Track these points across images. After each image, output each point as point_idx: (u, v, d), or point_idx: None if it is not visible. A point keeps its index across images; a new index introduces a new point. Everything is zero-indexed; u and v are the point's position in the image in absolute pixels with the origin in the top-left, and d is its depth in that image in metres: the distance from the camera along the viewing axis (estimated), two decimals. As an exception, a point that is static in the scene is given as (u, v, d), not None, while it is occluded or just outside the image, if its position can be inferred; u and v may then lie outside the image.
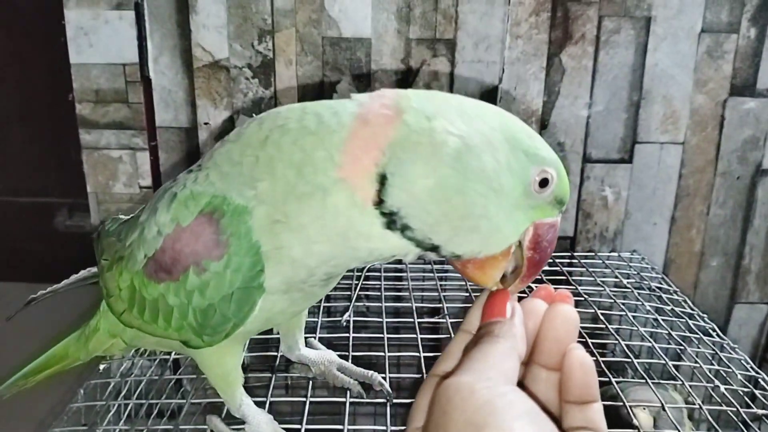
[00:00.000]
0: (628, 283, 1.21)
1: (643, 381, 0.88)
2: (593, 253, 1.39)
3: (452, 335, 0.97)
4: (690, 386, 0.88)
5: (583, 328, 0.97)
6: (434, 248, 0.49)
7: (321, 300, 1.00)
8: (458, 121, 0.48)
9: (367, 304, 1.14)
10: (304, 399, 0.81)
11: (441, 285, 1.17)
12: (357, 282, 1.19)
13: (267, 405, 0.79)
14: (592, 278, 1.24)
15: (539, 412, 0.36)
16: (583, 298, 1.11)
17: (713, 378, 0.90)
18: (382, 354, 0.91)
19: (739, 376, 0.92)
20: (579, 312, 1.07)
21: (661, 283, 1.25)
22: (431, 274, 1.24)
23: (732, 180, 1.39)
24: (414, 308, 1.07)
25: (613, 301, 1.13)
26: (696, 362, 0.94)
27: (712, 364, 0.96)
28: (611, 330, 1.01)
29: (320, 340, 0.89)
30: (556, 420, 0.41)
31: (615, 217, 1.41)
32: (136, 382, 0.92)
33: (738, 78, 1.33)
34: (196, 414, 0.92)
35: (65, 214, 1.56)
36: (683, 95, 1.33)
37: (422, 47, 1.30)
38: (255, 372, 0.91)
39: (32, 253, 1.58)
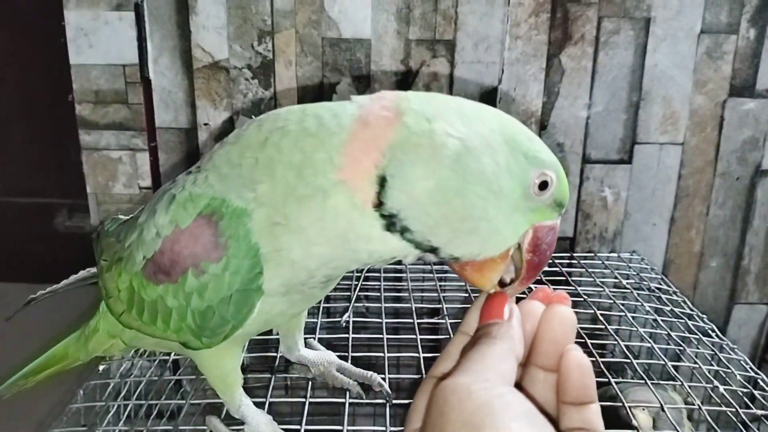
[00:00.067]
0: (627, 283, 1.21)
1: (643, 381, 0.88)
2: (593, 254, 1.40)
3: (452, 336, 0.97)
4: (689, 387, 0.88)
5: (582, 328, 0.97)
6: (433, 250, 0.49)
7: (320, 301, 1.00)
8: (458, 124, 0.48)
9: (366, 304, 1.14)
10: (303, 400, 0.81)
11: (440, 286, 1.17)
12: (356, 283, 1.19)
13: (266, 406, 0.79)
14: (591, 279, 1.24)
15: (537, 413, 0.37)
16: (582, 299, 1.11)
17: (712, 378, 0.90)
18: (382, 354, 0.91)
19: (739, 377, 0.92)
20: (578, 312, 1.08)
21: (661, 284, 1.25)
22: (431, 275, 1.24)
23: (731, 181, 1.39)
24: (413, 309, 1.07)
25: (612, 301, 1.13)
26: (695, 363, 0.94)
27: (712, 365, 0.96)
28: (610, 330, 1.01)
29: (320, 340, 0.89)
30: (554, 421, 0.41)
31: (614, 218, 1.41)
32: (135, 382, 0.92)
33: (737, 79, 1.33)
34: (196, 414, 0.93)
35: (65, 214, 1.57)
36: (683, 96, 1.33)
37: (422, 48, 1.30)
38: (254, 373, 0.91)
39: (32, 253, 1.58)
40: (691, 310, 1.14)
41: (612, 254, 1.40)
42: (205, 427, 0.75)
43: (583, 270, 1.29)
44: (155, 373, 0.95)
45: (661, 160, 1.37)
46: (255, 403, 0.72)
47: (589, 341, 0.94)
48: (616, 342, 0.99)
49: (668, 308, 1.13)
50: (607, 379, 0.86)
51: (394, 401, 0.79)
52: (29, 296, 0.81)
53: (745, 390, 0.90)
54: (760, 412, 0.84)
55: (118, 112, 1.33)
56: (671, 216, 1.41)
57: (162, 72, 1.31)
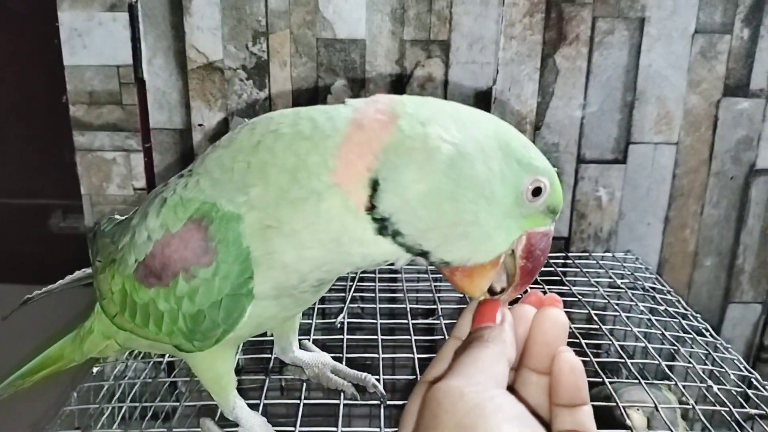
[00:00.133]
0: (622, 283, 1.22)
1: (637, 381, 0.88)
2: (587, 254, 1.40)
3: (446, 336, 0.97)
4: (683, 386, 0.88)
5: (576, 328, 0.97)
6: (424, 254, 0.49)
7: (315, 302, 1.00)
8: (452, 128, 0.47)
9: (361, 305, 1.14)
10: (298, 401, 0.81)
11: (435, 286, 1.17)
12: (351, 284, 1.19)
13: (261, 407, 0.79)
14: (586, 278, 1.24)
15: (528, 416, 0.37)
16: (577, 299, 1.11)
17: (707, 378, 0.90)
18: (377, 355, 0.91)
19: (733, 376, 0.92)
20: (573, 312, 1.08)
21: (655, 284, 1.26)
22: (426, 276, 1.24)
23: (726, 180, 1.39)
24: (408, 310, 1.07)
25: (607, 301, 1.13)
26: (690, 362, 0.95)
27: (706, 364, 0.97)
28: (605, 330, 1.01)
29: (314, 341, 0.89)
30: (546, 423, 0.41)
31: (609, 218, 1.41)
32: (129, 384, 0.92)
33: (731, 78, 1.33)
34: (191, 416, 0.92)
35: (59, 215, 1.56)
36: (677, 96, 1.34)
37: (416, 48, 1.30)
38: (249, 374, 0.91)
39: (26, 254, 1.58)
40: (686, 309, 1.14)
41: (606, 254, 1.40)
42: (199, 429, 0.75)
43: (578, 270, 1.29)
44: (149, 375, 0.95)
45: (656, 159, 1.37)
46: (249, 405, 0.72)
47: (583, 341, 0.94)
48: (610, 342, 0.99)
49: (663, 308, 1.13)
50: (601, 379, 0.86)
51: (389, 402, 0.79)
52: (24, 297, 0.81)
53: (739, 389, 0.90)
54: (754, 411, 0.84)
55: (112, 113, 1.33)
56: (666, 215, 1.41)
57: (156, 73, 1.31)
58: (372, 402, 0.80)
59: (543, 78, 1.33)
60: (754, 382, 0.92)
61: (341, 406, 0.80)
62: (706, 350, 1.00)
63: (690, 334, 1.04)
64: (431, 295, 1.15)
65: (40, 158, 1.54)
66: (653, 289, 1.22)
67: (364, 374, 0.81)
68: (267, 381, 0.87)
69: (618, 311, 1.08)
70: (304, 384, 0.84)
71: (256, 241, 0.53)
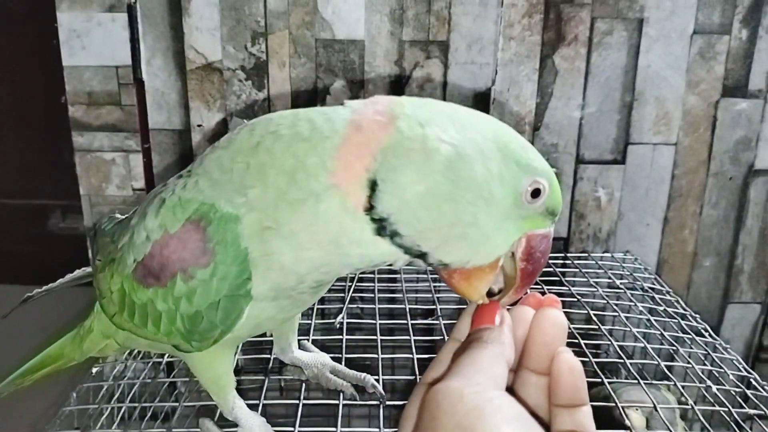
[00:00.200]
0: (621, 283, 1.22)
1: (636, 381, 0.88)
2: (586, 254, 1.40)
3: (445, 337, 0.97)
4: (682, 386, 0.88)
5: (576, 328, 0.97)
6: (422, 255, 0.49)
7: (314, 302, 1.00)
8: (451, 130, 0.48)
9: (360, 305, 1.14)
10: (297, 401, 0.81)
11: (435, 287, 1.17)
12: (351, 284, 1.19)
13: (260, 407, 0.79)
14: (585, 279, 1.24)
15: (528, 417, 0.37)
16: (576, 299, 1.11)
17: (706, 378, 0.90)
18: (376, 356, 0.91)
19: (732, 376, 0.92)
20: (572, 312, 1.08)
21: (654, 284, 1.26)
22: (425, 276, 1.24)
23: (724, 180, 1.39)
24: (408, 310, 1.07)
25: (606, 301, 1.13)
26: (689, 362, 0.95)
27: (705, 365, 0.97)
28: (604, 331, 1.01)
29: (314, 342, 0.89)
30: (545, 424, 0.41)
31: (608, 218, 1.41)
32: (129, 385, 0.92)
33: (730, 79, 1.33)
34: (190, 417, 0.92)
35: (58, 216, 1.56)
36: (676, 96, 1.34)
37: (415, 49, 1.30)
38: (248, 374, 0.91)
39: (25, 255, 1.58)
40: (685, 309, 1.14)
41: (606, 254, 1.40)
42: (198, 430, 0.75)
43: (577, 270, 1.30)
44: (149, 375, 0.95)
45: (655, 160, 1.37)
46: (249, 405, 0.72)
47: (582, 341, 0.94)
48: (609, 342, 0.99)
49: (662, 308, 1.14)
50: (600, 379, 0.86)
51: (388, 402, 0.79)
52: (24, 296, 0.81)
53: (738, 389, 0.90)
54: (753, 411, 0.84)
55: (111, 113, 1.33)
56: (665, 216, 1.41)
57: (155, 73, 1.31)
58: (371, 402, 0.80)
59: (542, 79, 1.33)
60: (753, 383, 0.92)
61: (340, 407, 0.80)
62: (705, 350, 1.00)
63: (689, 334, 1.04)
64: (430, 295, 1.15)
65: (39, 159, 1.54)
66: (652, 289, 1.22)
67: (364, 374, 0.81)
68: (266, 381, 0.87)
69: (617, 311, 1.08)
70: (304, 384, 0.84)
71: (255, 243, 0.53)
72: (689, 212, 1.41)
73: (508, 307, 0.48)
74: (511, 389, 0.43)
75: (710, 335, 1.06)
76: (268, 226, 0.52)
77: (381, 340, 0.96)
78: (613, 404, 0.83)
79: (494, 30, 1.29)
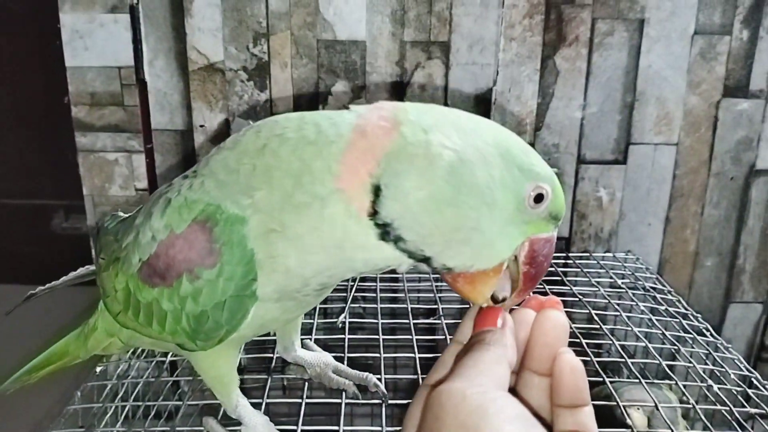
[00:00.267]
0: (622, 283, 1.22)
1: (637, 381, 0.88)
2: (588, 254, 1.40)
3: (447, 336, 0.98)
4: (684, 386, 0.89)
5: (578, 328, 0.98)
6: (426, 260, 0.49)
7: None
8: (454, 135, 0.48)
9: (362, 305, 1.14)
10: (300, 400, 0.81)
11: (437, 286, 1.17)
12: (353, 284, 1.20)
13: (263, 406, 0.79)
14: (586, 279, 1.24)
15: (530, 417, 0.37)
16: (578, 299, 1.11)
17: (707, 378, 0.91)
18: (378, 355, 0.92)
19: (733, 376, 0.92)
20: (574, 312, 1.08)
21: (656, 284, 1.26)
22: (427, 275, 1.24)
23: (726, 180, 1.39)
24: (410, 309, 1.07)
25: (607, 301, 1.13)
26: (690, 362, 0.95)
27: (707, 364, 0.97)
28: (605, 330, 1.01)
29: (316, 341, 0.90)
30: (548, 425, 0.42)
31: (609, 218, 1.42)
32: (133, 383, 0.93)
33: (731, 79, 1.33)
34: (193, 415, 0.93)
35: (61, 216, 1.56)
36: (677, 97, 1.34)
37: (417, 50, 1.31)
38: (251, 373, 0.91)
39: (28, 255, 1.58)
40: (686, 309, 1.14)
41: (607, 254, 1.41)
42: (202, 428, 0.75)
43: (579, 270, 1.30)
44: (152, 374, 0.96)
45: (656, 160, 1.38)
46: (252, 404, 0.73)
47: (584, 341, 0.95)
48: (611, 341, 0.99)
49: (663, 308, 1.14)
50: (601, 379, 0.87)
51: (391, 401, 0.80)
52: (28, 293, 0.82)
53: (739, 389, 0.90)
54: (754, 410, 0.84)
55: (113, 114, 1.33)
56: (666, 216, 1.42)
57: (157, 74, 1.31)
58: (374, 401, 0.81)
59: (543, 79, 1.33)
60: (755, 382, 0.92)
61: (343, 406, 0.80)
62: (707, 350, 1.00)
63: (691, 333, 1.04)
64: (432, 295, 1.15)
65: (42, 159, 1.54)
66: (654, 289, 1.23)
67: (366, 374, 0.82)
68: (269, 380, 0.87)
69: (619, 311, 1.08)
70: (306, 383, 0.84)
71: (260, 244, 0.53)
72: (691, 212, 1.41)
73: (511, 308, 0.48)
74: (513, 390, 0.44)
75: (712, 335, 1.06)
76: (273, 228, 0.52)
77: (383, 339, 0.96)
78: (615, 403, 0.83)
79: (495, 31, 1.30)
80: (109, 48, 1.29)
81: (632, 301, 1.15)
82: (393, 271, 0.53)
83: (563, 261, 1.36)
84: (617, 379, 0.91)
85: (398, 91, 1.32)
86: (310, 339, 0.90)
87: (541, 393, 0.43)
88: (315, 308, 1.05)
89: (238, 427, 0.72)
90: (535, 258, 0.49)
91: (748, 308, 1.48)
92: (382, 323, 1.02)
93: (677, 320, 1.09)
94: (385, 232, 0.48)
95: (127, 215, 0.72)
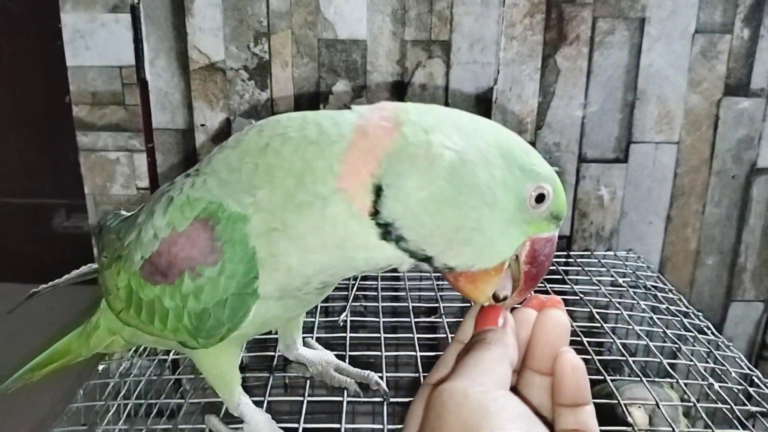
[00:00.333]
0: (623, 281, 1.22)
1: (638, 379, 0.88)
2: (589, 252, 1.40)
3: (449, 334, 0.98)
4: (685, 384, 0.89)
5: (579, 326, 0.98)
6: (427, 259, 0.50)
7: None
8: (455, 136, 0.48)
9: (364, 303, 1.14)
10: (302, 398, 0.81)
11: (438, 285, 1.17)
12: (354, 282, 1.20)
13: (265, 404, 0.80)
14: (588, 277, 1.24)
15: (531, 415, 0.37)
16: (579, 297, 1.11)
17: (708, 376, 0.91)
18: (380, 353, 0.92)
19: (734, 374, 0.92)
20: (575, 311, 1.08)
21: (657, 282, 1.26)
22: (428, 274, 1.24)
23: (727, 179, 1.40)
24: (411, 308, 1.07)
25: (609, 299, 1.13)
26: (691, 360, 0.95)
27: (708, 362, 0.97)
28: (607, 329, 1.01)
29: (318, 339, 0.90)
30: (549, 423, 0.42)
31: (611, 217, 1.42)
32: (135, 382, 0.93)
33: (732, 78, 1.33)
34: (195, 413, 0.93)
35: (63, 215, 1.56)
36: (678, 95, 1.34)
37: (417, 49, 1.31)
38: (253, 372, 0.91)
39: (30, 254, 1.58)
40: (687, 308, 1.14)
41: (608, 252, 1.41)
42: (204, 426, 0.75)
43: (580, 268, 1.30)
44: (154, 372, 0.96)
45: (657, 158, 1.38)
46: (254, 402, 0.73)
47: (585, 339, 0.95)
48: (612, 340, 0.99)
49: (664, 306, 1.14)
50: (602, 377, 0.87)
51: (392, 399, 0.80)
52: (30, 291, 0.82)
53: (740, 387, 0.90)
54: (755, 408, 0.84)
55: (115, 113, 1.33)
56: (667, 214, 1.42)
57: (158, 73, 1.32)
58: (375, 399, 0.81)
59: (544, 78, 1.33)
60: (756, 380, 0.92)
61: (345, 404, 0.80)
62: (708, 348, 1.00)
63: (692, 332, 1.04)
64: (434, 293, 1.15)
65: (44, 158, 1.54)
66: (655, 287, 1.22)
67: (367, 372, 0.82)
68: (271, 378, 0.87)
69: (620, 309, 1.09)
70: (308, 381, 0.85)
71: (262, 243, 0.53)
72: (692, 210, 1.41)
73: (512, 308, 0.48)
74: (514, 390, 0.44)
75: (713, 333, 1.06)
76: (275, 227, 0.53)
77: (384, 337, 0.96)
78: (616, 402, 0.83)
79: (496, 30, 1.30)
80: (111, 47, 1.29)
81: (633, 299, 1.15)
82: (394, 270, 0.53)
83: (564, 259, 1.36)
84: (618, 377, 0.91)
85: (399, 90, 1.32)
86: (312, 337, 0.90)
87: (542, 392, 0.43)
88: (316, 307, 1.05)
89: (240, 425, 0.72)
90: (536, 257, 0.50)
91: (749, 307, 1.48)
92: (384, 322, 1.03)
93: (678, 319, 1.09)
94: (387, 231, 0.49)
95: (129, 214, 0.72)
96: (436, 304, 1.10)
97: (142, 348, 1.00)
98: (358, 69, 1.32)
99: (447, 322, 1.02)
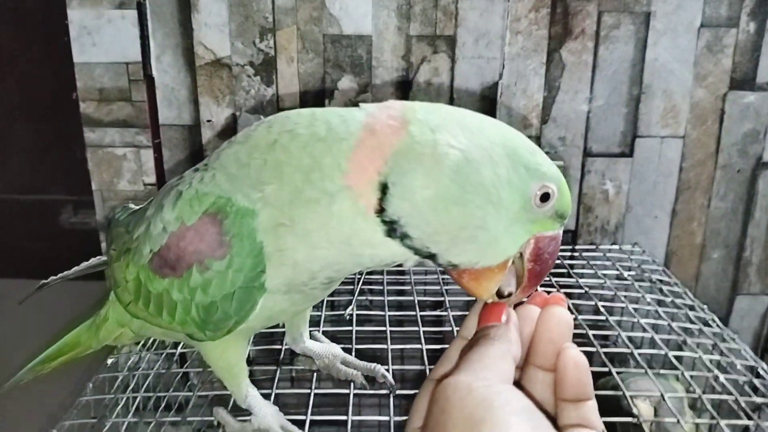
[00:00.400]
0: (629, 275, 1.22)
1: (644, 371, 0.89)
2: (594, 246, 1.40)
3: (454, 327, 0.98)
4: (691, 376, 0.89)
5: (584, 319, 0.98)
6: (432, 256, 0.50)
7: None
8: (461, 135, 0.48)
9: (370, 297, 1.15)
10: (309, 391, 0.82)
11: (443, 278, 1.18)
12: (360, 276, 1.20)
13: (272, 397, 0.80)
14: (593, 271, 1.25)
15: (534, 410, 0.38)
16: (584, 291, 1.11)
17: (713, 368, 0.91)
18: (385, 346, 0.92)
19: (740, 366, 0.92)
20: (580, 304, 1.08)
21: (662, 276, 1.26)
22: (433, 268, 1.25)
23: (732, 173, 1.39)
24: (416, 301, 1.08)
25: (614, 293, 1.14)
26: (696, 352, 0.95)
27: (713, 355, 0.97)
28: (612, 322, 1.02)
29: (324, 333, 0.90)
30: (552, 418, 0.42)
31: (616, 211, 1.42)
32: (143, 375, 0.94)
33: (738, 72, 1.33)
34: (203, 406, 0.94)
35: (70, 211, 1.57)
36: (683, 89, 1.34)
37: (423, 44, 1.31)
38: (260, 365, 0.92)
39: (37, 250, 1.59)
40: (692, 301, 1.14)
41: (614, 246, 1.41)
42: (212, 418, 0.76)
43: (585, 262, 1.30)
44: (163, 366, 0.97)
45: (662, 153, 1.38)
46: (261, 395, 0.73)
47: (591, 332, 0.95)
48: (617, 333, 0.99)
49: (670, 299, 1.14)
50: (608, 369, 0.87)
51: (398, 392, 0.80)
52: (40, 283, 0.83)
53: (746, 379, 0.90)
54: (760, 400, 0.85)
55: (121, 109, 1.34)
56: (673, 208, 1.42)
57: (165, 69, 1.32)
58: (381, 392, 0.81)
59: (549, 72, 1.33)
60: (761, 372, 0.93)
61: (351, 396, 0.81)
62: (713, 341, 1.00)
63: (697, 325, 1.04)
64: (439, 287, 1.16)
65: (51, 155, 1.55)
66: (660, 281, 1.23)
67: (374, 365, 0.82)
68: (278, 371, 0.88)
69: (625, 303, 1.09)
70: (315, 374, 0.85)
71: (269, 238, 0.54)
72: (697, 204, 1.41)
73: (516, 305, 0.49)
74: (518, 385, 0.44)
75: (718, 326, 1.06)
76: (282, 222, 0.53)
77: (390, 331, 0.97)
78: (621, 394, 0.84)
79: (501, 24, 1.30)
80: (117, 44, 1.30)
81: (638, 293, 1.15)
82: (400, 265, 0.54)
83: (570, 253, 1.37)
84: (624, 369, 0.91)
85: (404, 85, 1.32)
86: (319, 331, 0.91)
87: (545, 388, 0.44)
88: (323, 300, 1.06)
89: (247, 417, 0.73)
90: (540, 255, 0.50)
91: (755, 300, 1.48)
92: (389, 315, 1.03)
93: (684, 311, 1.09)
94: (392, 229, 0.49)
95: (137, 207, 0.73)
96: (442, 298, 1.11)
97: (150, 342, 1.01)
98: (363, 64, 1.32)
99: (452, 315, 1.02)
